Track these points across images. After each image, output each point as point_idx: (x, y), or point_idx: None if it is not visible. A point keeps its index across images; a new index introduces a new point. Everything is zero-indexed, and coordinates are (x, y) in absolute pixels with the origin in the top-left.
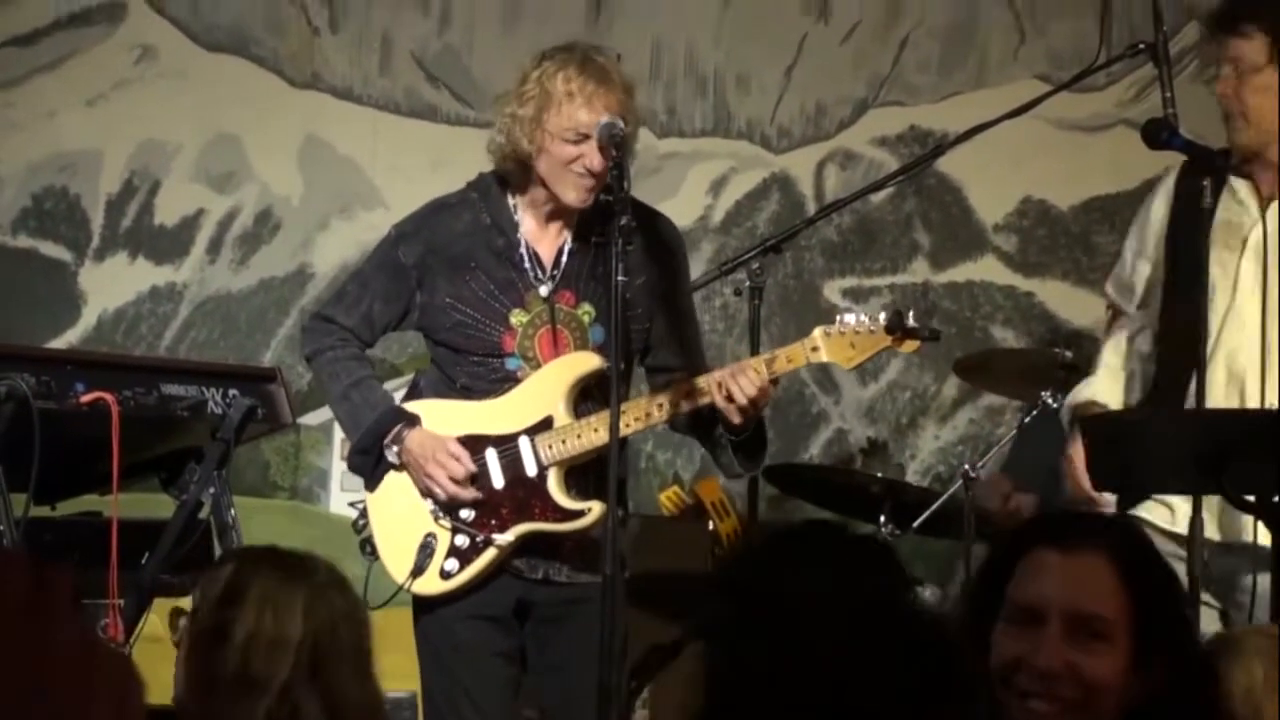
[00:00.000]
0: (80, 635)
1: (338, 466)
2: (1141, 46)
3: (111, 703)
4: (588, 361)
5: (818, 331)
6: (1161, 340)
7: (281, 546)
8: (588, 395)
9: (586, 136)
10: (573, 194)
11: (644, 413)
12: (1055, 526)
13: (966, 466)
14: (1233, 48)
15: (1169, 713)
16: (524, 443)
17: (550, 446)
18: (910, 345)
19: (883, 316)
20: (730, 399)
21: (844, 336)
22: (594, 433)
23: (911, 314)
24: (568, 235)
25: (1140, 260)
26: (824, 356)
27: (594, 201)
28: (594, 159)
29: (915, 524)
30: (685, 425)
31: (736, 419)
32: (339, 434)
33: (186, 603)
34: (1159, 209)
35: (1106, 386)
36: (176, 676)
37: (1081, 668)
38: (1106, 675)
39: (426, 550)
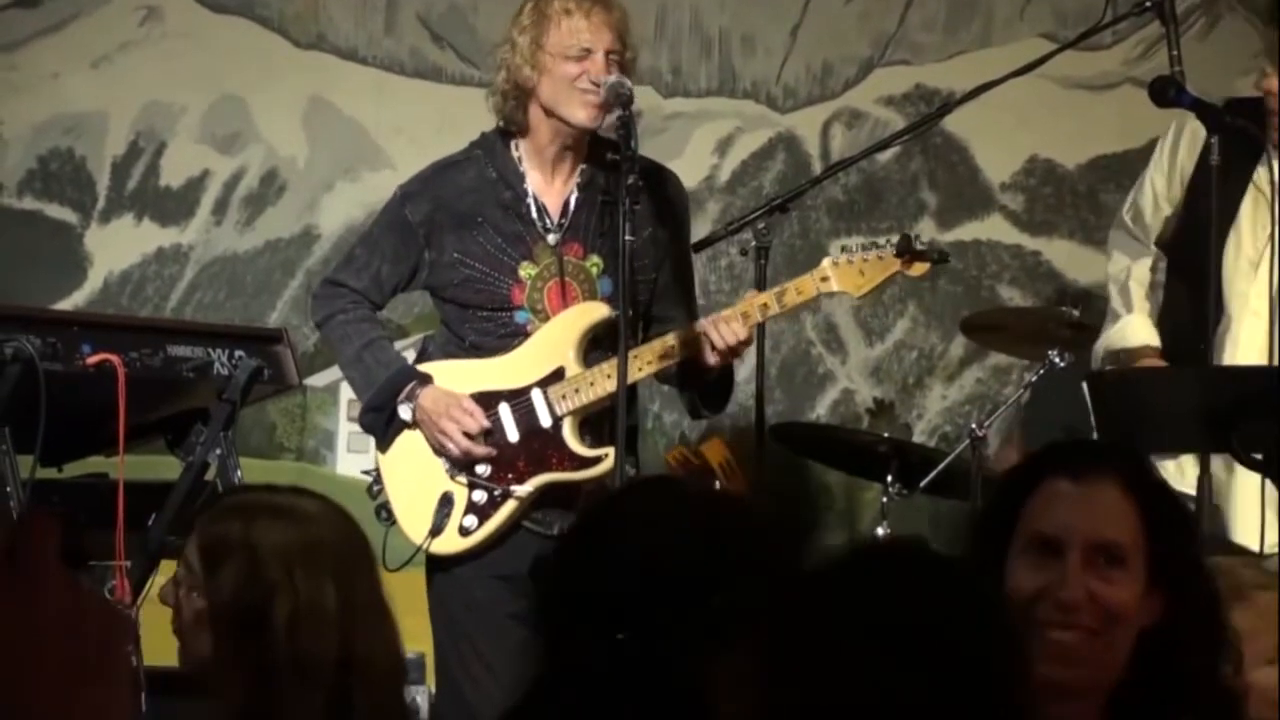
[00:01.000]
0: (66, 584)
1: (345, 428)
2: (1148, 4)
3: (100, 651)
4: (596, 311)
5: (826, 261)
6: (1180, 288)
7: (261, 487)
8: (597, 345)
9: (588, 51)
10: (581, 112)
11: (655, 355)
12: (1067, 456)
13: (974, 426)
14: None
15: (1180, 634)
16: (536, 395)
17: (564, 397)
18: (919, 268)
19: (891, 241)
20: (713, 346)
21: (852, 265)
22: (606, 379)
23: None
24: (573, 186)
25: (1165, 202)
26: (834, 286)
27: (594, 147)
28: (598, 70)
29: (922, 484)
30: (673, 377)
31: (712, 360)
32: (345, 395)
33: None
34: (1185, 155)
35: (1148, 329)
36: (188, 657)
37: (1102, 596)
38: (1126, 601)
39: (444, 509)
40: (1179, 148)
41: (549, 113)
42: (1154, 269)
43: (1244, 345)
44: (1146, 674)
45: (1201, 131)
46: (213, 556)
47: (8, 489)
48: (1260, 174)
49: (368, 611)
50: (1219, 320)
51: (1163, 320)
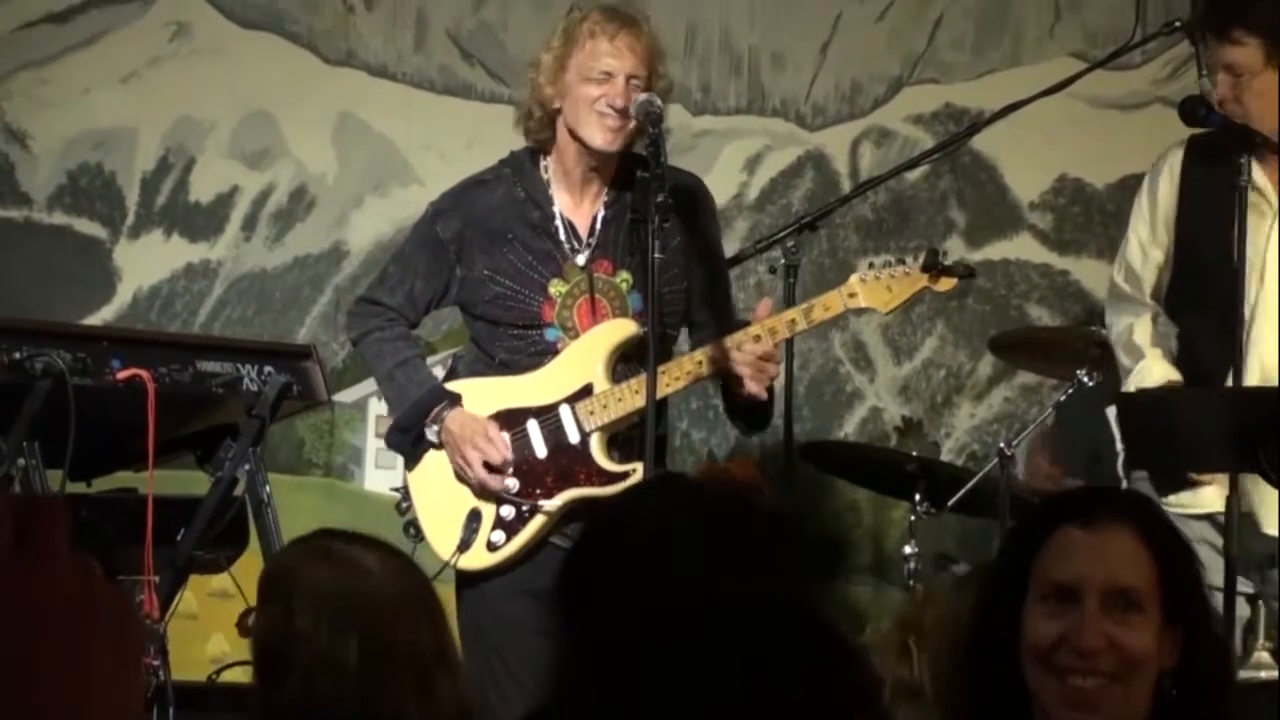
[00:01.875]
0: (75, 570)
1: (373, 444)
2: (1177, 24)
3: (110, 638)
4: (624, 328)
5: (854, 277)
6: (1185, 328)
7: (338, 533)
8: (626, 361)
9: (609, 75)
10: (598, 136)
11: (683, 371)
12: (1078, 504)
13: (1002, 445)
14: (1228, 54)
15: (1197, 675)
16: (565, 411)
17: (591, 413)
18: (947, 283)
19: (918, 257)
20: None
21: (880, 280)
22: (634, 395)
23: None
24: (601, 204)
25: (1153, 248)
26: (861, 302)
27: (623, 164)
28: (617, 96)
29: (950, 502)
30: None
31: (744, 379)
32: (374, 411)
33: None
34: (1166, 193)
35: (1166, 367)
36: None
37: (1121, 641)
38: (1145, 646)
39: (472, 524)
40: (1158, 190)
41: (572, 134)
42: (1155, 321)
43: (1267, 353)
44: (1167, 716)
45: (1179, 165)
46: (263, 590)
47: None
48: (1258, 178)
49: (407, 670)
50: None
51: (1180, 361)
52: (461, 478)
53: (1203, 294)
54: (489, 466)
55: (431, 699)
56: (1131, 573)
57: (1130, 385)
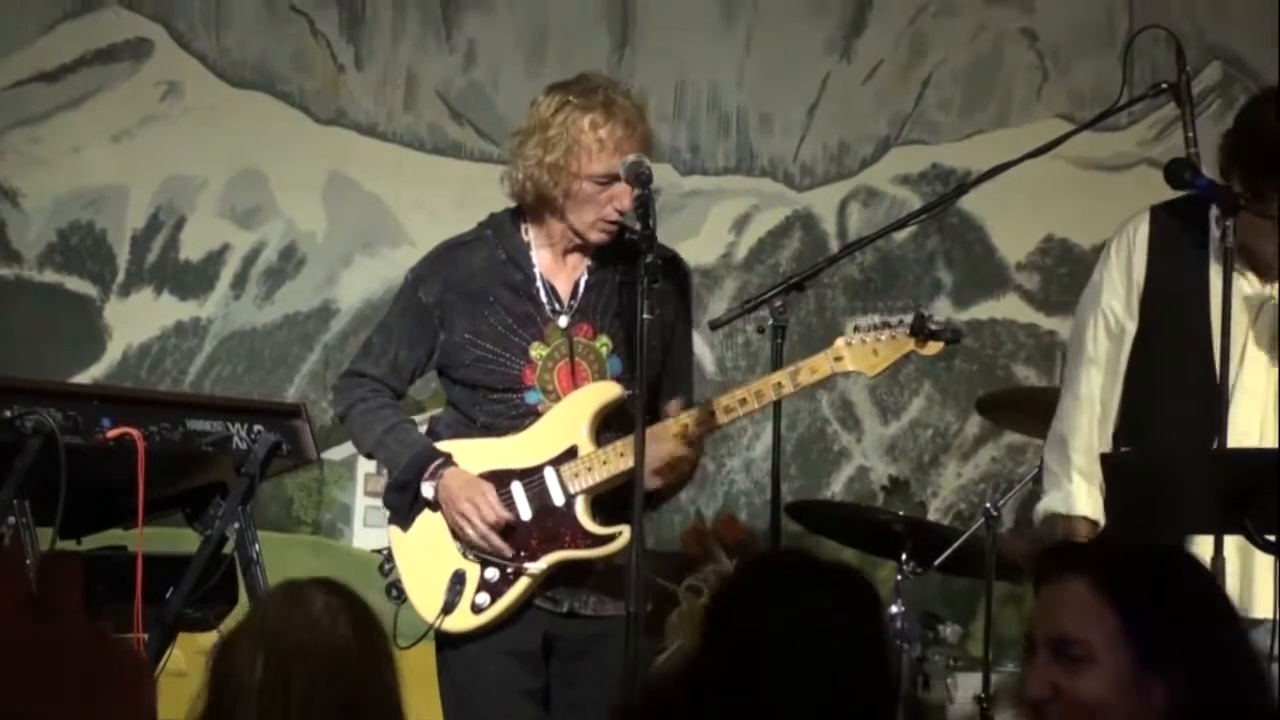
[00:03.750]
0: (88, 627)
1: (361, 502)
2: (1164, 86)
3: (123, 694)
4: (608, 391)
5: (840, 341)
6: (1152, 404)
7: (313, 582)
8: (609, 425)
9: (616, 179)
10: (594, 234)
11: (669, 435)
12: (1045, 562)
13: (988, 505)
14: None
15: (1215, 710)
16: (549, 474)
17: (576, 476)
18: (934, 347)
19: (905, 320)
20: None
21: (866, 344)
22: (620, 458)
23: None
24: (584, 268)
25: (1129, 321)
26: (848, 365)
27: (612, 237)
28: (624, 200)
29: (937, 562)
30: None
31: (653, 481)
32: (362, 470)
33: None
34: (1139, 266)
35: (1094, 499)
36: None
37: (1069, 690)
38: (1096, 694)
39: (456, 586)
40: (1132, 263)
41: (565, 221)
42: (1104, 421)
43: (1241, 424)
44: None
45: (1146, 235)
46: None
47: (28, 562)
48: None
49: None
50: (1226, 402)
51: (1149, 436)
52: (457, 534)
53: (1173, 367)
54: (486, 522)
55: None
56: (1078, 623)
57: (1051, 498)
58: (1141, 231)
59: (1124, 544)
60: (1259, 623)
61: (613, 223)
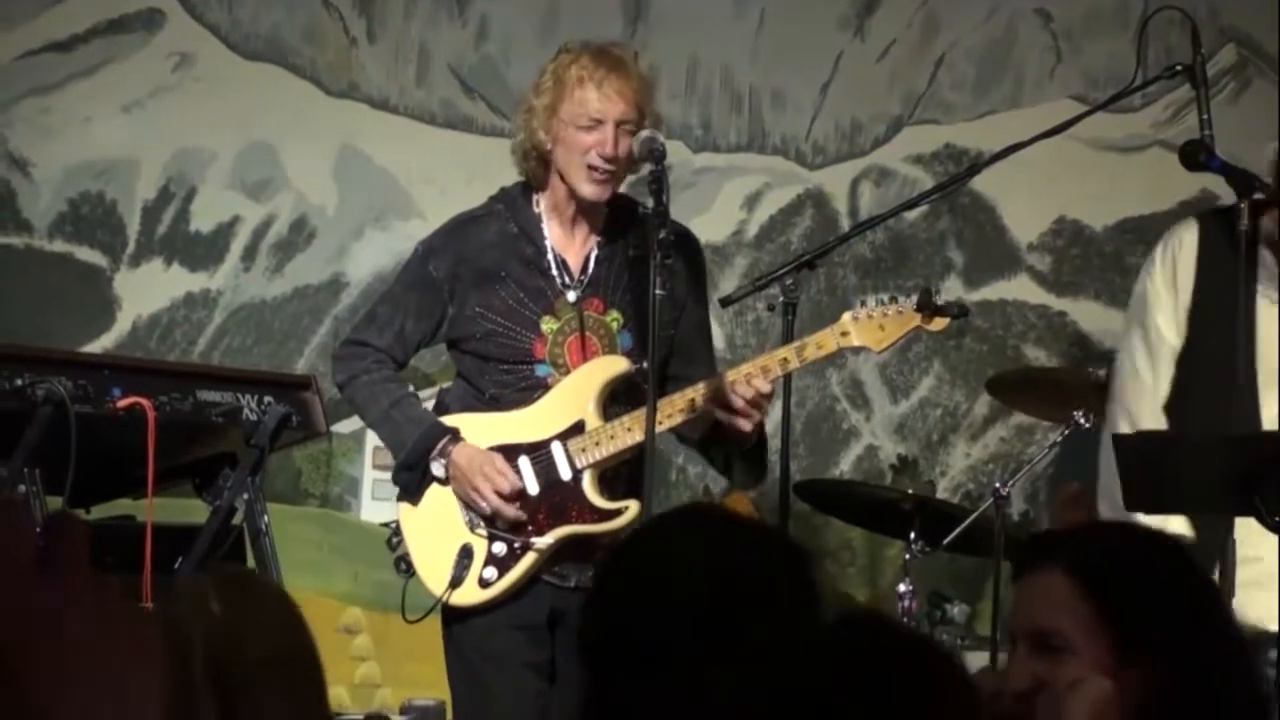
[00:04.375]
0: (97, 586)
1: (369, 475)
2: (1178, 68)
3: (133, 652)
4: (616, 364)
5: (846, 316)
6: (1194, 407)
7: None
8: (616, 399)
9: (599, 122)
10: (586, 187)
11: (678, 409)
12: (1021, 551)
13: (997, 485)
14: None
15: (1187, 704)
16: (556, 448)
17: (584, 450)
18: (940, 323)
19: (912, 296)
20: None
21: (873, 319)
22: (627, 433)
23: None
24: (594, 242)
25: (1175, 337)
26: (854, 341)
27: (618, 204)
28: (608, 145)
29: (945, 541)
30: (694, 435)
31: (738, 418)
32: (371, 443)
33: None
34: (1185, 276)
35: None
36: None
37: (1050, 679)
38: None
39: (464, 561)
40: (1178, 278)
41: (562, 178)
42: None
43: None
44: None
45: (1193, 247)
46: None
47: (37, 530)
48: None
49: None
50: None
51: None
52: (471, 508)
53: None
54: (501, 495)
55: None
56: (1053, 614)
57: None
58: (1188, 243)
59: (1100, 527)
60: None
61: (599, 170)
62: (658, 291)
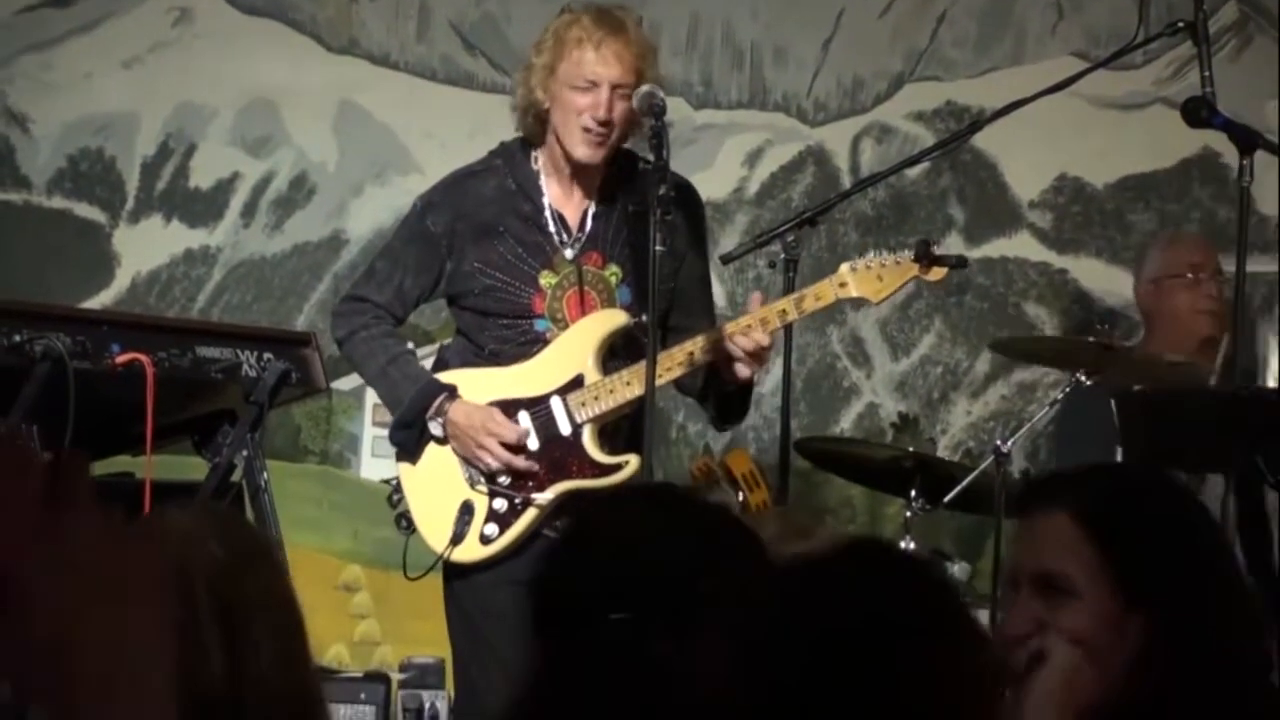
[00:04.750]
0: (101, 516)
1: (369, 432)
2: (1180, 25)
3: (139, 579)
4: (614, 318)
5: (844, 267)
6: None
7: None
8: (615, 353)
9: (595, 84)
10: (580, 149)
11: (678, 361)
12: (1022, 493)
13: (998, 442)
14: None
15: (1178, 653)
16: (555, 403)
17: (583, 405)
18: (937, 273)
19: (909, 247)
20: (734, 354)
21: (870, 270)
22: (626, 386)
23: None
24: (592, 198)
25: None
26: (852, 291)
27: (618, 160)
28: (601, 108)
29: (946, 499)
30: (695, 385)
31: (738, 369)
32: (371, 400)
33: None
34: None
35: None
36: None
37: (1053, 623)
38: (1080, 629)
39: (465, 517)
40: None
41: (558, 136)
42: None
43: None
44: (1145, 698)
45: None
46: None
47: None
48: None
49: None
50: (1251, 340)
51: None
52: (475, 464)
53: None
54: (508, 447)
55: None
56: (1058, 557)
57: None
58: None
59: (1105, 469)
60: None
61: (593, 133)
62: (657, 248)
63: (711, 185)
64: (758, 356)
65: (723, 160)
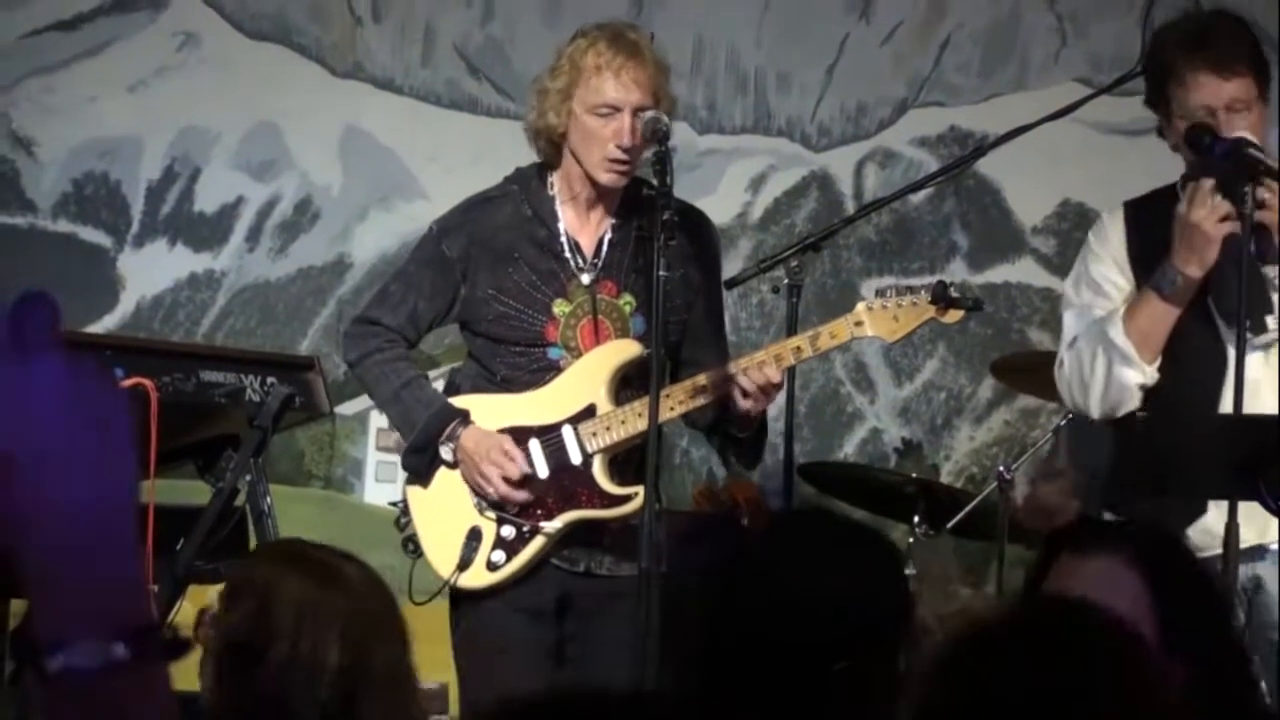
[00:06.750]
0: (67, 361)
1: (373, 457)
2: None
3: (108, 425)
4: (628, 349)
5: (861, 305)
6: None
7: (310, 543)
8: (628, 383)
9: (616, 110)
10: (602, 174)
11: (687, 394)
12: (1077, 532)
13: (1001, 468)
14: (1227, 90)
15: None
16: (567, 432)
17: (594, 435)
18: (954, 315)
19: (927, 288)
20: (744, 389)
21: (887, 310)
22: (638, 418)
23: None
24: (608, 225)
25: (1125, 282)
26: (868, 331)
27: (630, 187)
28: (624, 136)
29: (949, 525)
30: (705, 419)
31: (743, 404)
32: (374, 424)
33: (210, 596)
34: (1117, 248)
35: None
36: (204, 686)
37: None
38: None
39: (472, 543)
40: (1110, 241)
41: (577, 161)
42: None
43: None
44: None
45: (1120, 221)
46: (233, 591)
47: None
48: None
49: (383, 683)
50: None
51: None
52: (479, 493)
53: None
54: (509, 481)
55: (399, 713)
56: (1114, 597)
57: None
58: (1116, 219)
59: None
60: None
61: (619, 161)
62: (661, 273)
63: (715, 210)
64: (765, 392)
65: (726, 185)
